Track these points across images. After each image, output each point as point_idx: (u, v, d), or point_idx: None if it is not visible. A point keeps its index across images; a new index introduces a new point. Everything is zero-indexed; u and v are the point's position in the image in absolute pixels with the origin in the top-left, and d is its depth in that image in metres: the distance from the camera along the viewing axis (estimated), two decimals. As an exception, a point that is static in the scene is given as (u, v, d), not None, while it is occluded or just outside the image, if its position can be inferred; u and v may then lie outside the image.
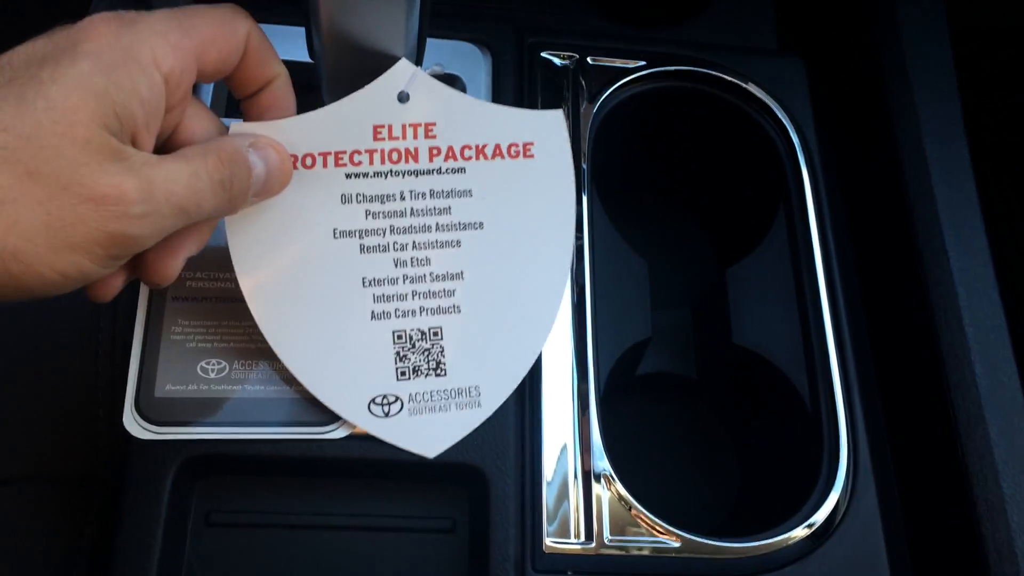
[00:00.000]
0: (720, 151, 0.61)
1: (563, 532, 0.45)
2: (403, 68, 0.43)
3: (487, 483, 0.44)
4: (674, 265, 0.62)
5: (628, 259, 0.54)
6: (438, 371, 0.44)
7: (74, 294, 0.36)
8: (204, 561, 0.44)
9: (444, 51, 0.55)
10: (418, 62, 0.44)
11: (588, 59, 0.57)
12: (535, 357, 0.46)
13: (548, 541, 0.45)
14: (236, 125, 0.40)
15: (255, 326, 0.43)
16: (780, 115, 0.57)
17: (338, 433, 0.43)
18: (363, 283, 0.43)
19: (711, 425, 0.59)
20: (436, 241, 0.44)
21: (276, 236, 0.42)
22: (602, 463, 0.47)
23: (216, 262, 0.44)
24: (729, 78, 0.58)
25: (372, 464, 0.44)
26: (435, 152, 0.44)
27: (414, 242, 0.44)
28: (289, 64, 0.41)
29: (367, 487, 0.46)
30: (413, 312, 0.44)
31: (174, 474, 0.43)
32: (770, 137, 0.57)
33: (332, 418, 0.44)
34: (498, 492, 0.44)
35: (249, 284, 0.42)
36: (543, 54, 0.57)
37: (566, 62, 0.57)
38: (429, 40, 0.44)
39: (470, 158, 0.44)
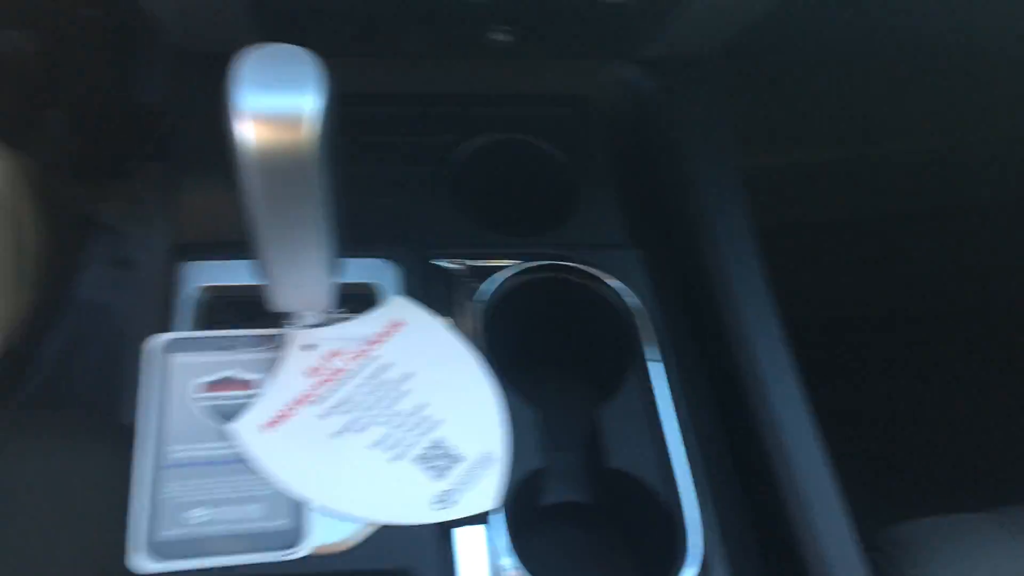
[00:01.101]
0: (586, 324, 0.78)
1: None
2: (292, 334, 0.63)
3: None
4: (561, 411, 0.76)
5: (522, 411, 0.69)
6: (456, 460, 0.61)
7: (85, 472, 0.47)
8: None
9: (364, 267, 0.72)
10: (333, 277, 0.61)
11: (477, 262, 0.75)
12: (500, 415, 0.64)
13: None
14: None
15: (236, 481, 0.57)
16: (628, 295, 0.75)
17: (299, 553, 0.56)
18: (372, 446, 0.60)
19: (601, 538, 0.72)
20: (397, 397, 0.62)
21: (304, 460, 0.59)
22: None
23: (199, 434, 0.58)
24: (586, 268, 0.76)
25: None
26: (351, 358, 0.63)
27: (385, 406, 0.62)
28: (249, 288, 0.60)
29: None
30: (415, 441, 0.61)
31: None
32: (620, 312, 0.75)
33: (293, 543, 0.56)
34: None
35: (301, 490, 0.58)
36: (441, 262, 0.75)
37: (459, 266, 0.75)
38: (352, 258, 0.63)
39: (373, 346, 0.64)
